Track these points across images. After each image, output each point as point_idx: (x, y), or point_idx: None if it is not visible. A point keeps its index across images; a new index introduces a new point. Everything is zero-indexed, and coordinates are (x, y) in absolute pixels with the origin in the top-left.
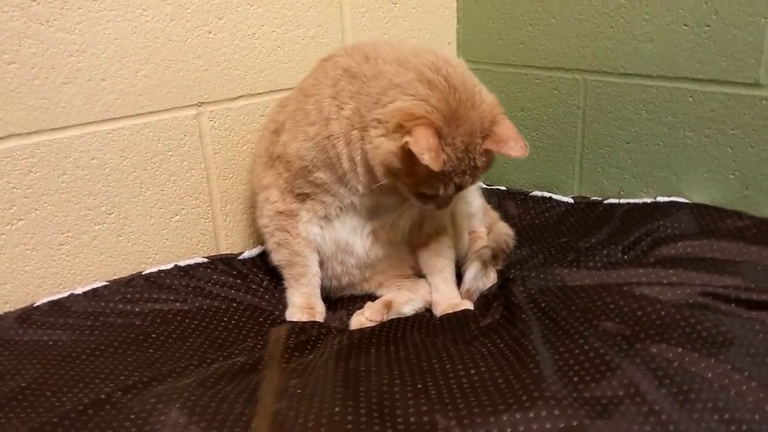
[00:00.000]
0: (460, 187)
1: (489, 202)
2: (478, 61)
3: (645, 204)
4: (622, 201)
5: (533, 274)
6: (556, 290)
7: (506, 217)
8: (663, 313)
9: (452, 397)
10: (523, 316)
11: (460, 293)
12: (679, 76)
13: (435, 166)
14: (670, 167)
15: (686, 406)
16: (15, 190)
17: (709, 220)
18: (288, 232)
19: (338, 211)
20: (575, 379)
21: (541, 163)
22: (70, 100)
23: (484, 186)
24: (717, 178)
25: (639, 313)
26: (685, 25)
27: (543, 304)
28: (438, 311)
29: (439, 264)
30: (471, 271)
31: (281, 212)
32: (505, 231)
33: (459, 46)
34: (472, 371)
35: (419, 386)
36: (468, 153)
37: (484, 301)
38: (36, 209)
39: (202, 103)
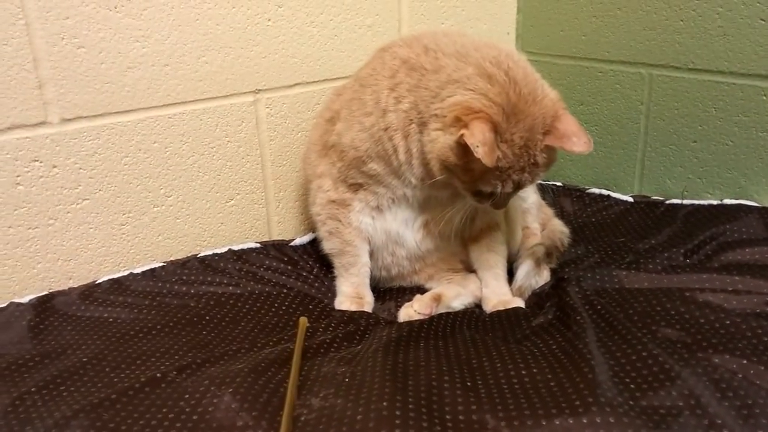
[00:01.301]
0: (518, 186)
1: (544, 199)
2: (538, 52)
3: (710, 206)
4: (685, 202)
5: (589, 275)
6: (613, 292)
7: (561, 214)
8: (728, 322)
9: (502, 396)
10: (578, 317)
11: (512, 290)
12: (753, 72)
13: (488, 161)
14: (738, 168)
15: (750, 422)
16: (81, 170)
17: None
18: (339, 221)
19: (390, 203)
20: (632, 386)
21: (600, 160)
22: (134, 85)
23: (539, 181)
24: None
25: (701, 321)
26: (762, 19)
27: (599, 306)
28: (488, 307)
29: (491, 259)
30: (523, 268)
31: (333, 201)
32: (560, 228)
33: (518, 37)
34: (523, 372)
35: (468, 384)
36: (528, 149)
37: (537, 299)
38: (100, 190)
39: (259, 90)
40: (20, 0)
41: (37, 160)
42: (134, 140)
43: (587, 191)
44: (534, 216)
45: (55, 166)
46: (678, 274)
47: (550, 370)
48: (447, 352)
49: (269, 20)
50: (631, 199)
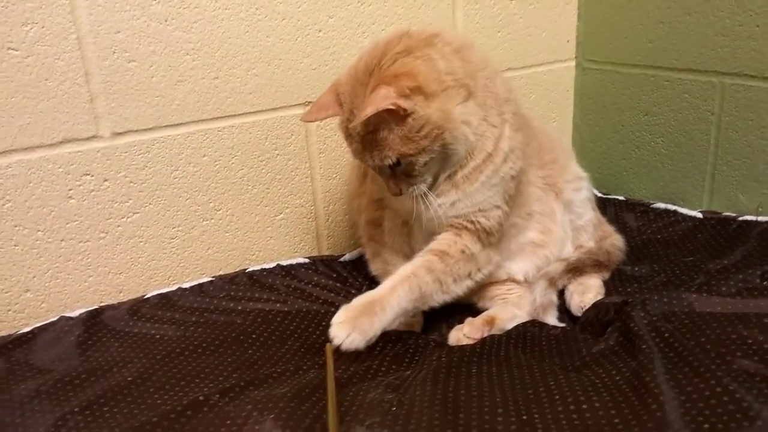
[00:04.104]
0: (356, 152)
1: (605, 214)
2: (600, 60)
3: None
4: (760, 219)
5: (656, 297)
6: (683, 317)
7: (624, 230)
8: None
9: None
10: (644, 346)
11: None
12: None
13: (304, 117)
14: None
15: None
16: (131, 184)
17: None
18: (376, 242)
19: (411, 217)
20: (705, 426)
21: (666, 173)
22: (184, 98)
23: (600, 195)
24: None
25: None
26: None
27: (666, 334)
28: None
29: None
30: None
31: (369, 221)
32: (610, 241)
33: (578, 45)
34: (584, 405)
35: (524, 417)
36: (353, 115)
37: (597, 323)
38: (150, 203)
39: (309, 102)
40: (72, 15)
41: (89, 174)
42: (184, 153)
43: (652, 206)
44: (590, 234)
45: (106, 180)
46: (755, 298)
47: (613, 405)
48: (501, 381)
49: (320, 31)
50: (700, 215)
